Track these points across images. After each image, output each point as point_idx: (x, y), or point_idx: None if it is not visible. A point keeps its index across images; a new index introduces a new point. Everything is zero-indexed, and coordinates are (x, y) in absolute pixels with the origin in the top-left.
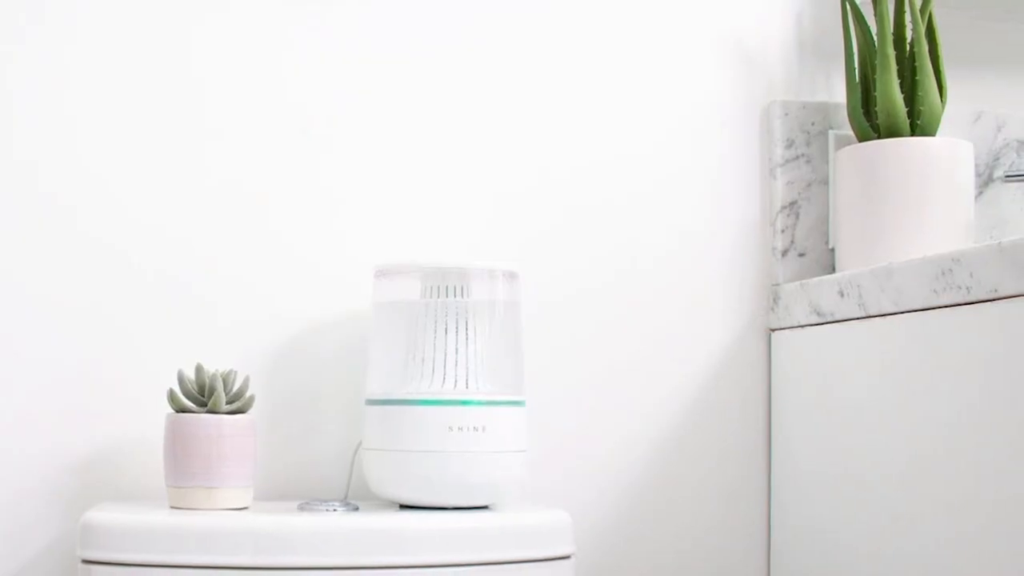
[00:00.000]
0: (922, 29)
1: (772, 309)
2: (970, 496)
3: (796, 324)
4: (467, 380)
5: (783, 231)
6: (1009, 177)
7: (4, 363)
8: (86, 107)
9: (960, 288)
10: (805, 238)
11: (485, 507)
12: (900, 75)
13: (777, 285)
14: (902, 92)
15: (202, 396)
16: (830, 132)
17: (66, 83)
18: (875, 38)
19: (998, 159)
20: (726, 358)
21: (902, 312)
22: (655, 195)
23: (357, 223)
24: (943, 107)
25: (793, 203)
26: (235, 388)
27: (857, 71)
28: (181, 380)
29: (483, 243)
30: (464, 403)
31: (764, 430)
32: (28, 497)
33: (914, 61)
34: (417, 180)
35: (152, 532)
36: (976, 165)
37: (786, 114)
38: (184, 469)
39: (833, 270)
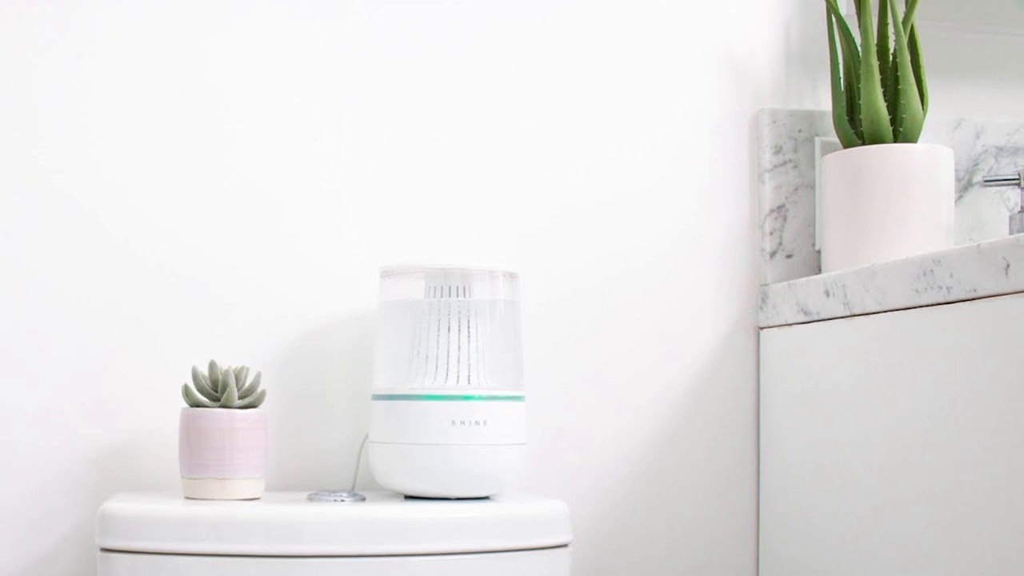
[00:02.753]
0: (904, 40)
1: (760, 308)
2: (949, 487)
3: (784, 323)
4: (469, 376)
5: (771, 233)
6: (988, 182)
7: (28, 360)
8: (107, 116)
9: (941, 288)
10: (792, 240)
11: (486, 497)
12: (883, 84)
13: (765, 285)
14: (885, 100)
15: (215, 391)
16: (816, 139)
17: (87, 94)
18: (859, 49)
19: (977, 164)
20: (717, 355)
21: (885, 311)
22: (649, 199)
23: (363, 226)
24: (924, 115)
25: (781, 207)
26: (247, 383)
27: (842, 80)
28: (195, 376)
29: (484, 245)
30: (466, 398)
31: (753, 424)
32: (49, 488)
33: (897, 71)
34: (421, 184)
35: (167, 521)
36: (956, 170)
37: (774, 121)
38: (198, 461)
39: (819, 271)
